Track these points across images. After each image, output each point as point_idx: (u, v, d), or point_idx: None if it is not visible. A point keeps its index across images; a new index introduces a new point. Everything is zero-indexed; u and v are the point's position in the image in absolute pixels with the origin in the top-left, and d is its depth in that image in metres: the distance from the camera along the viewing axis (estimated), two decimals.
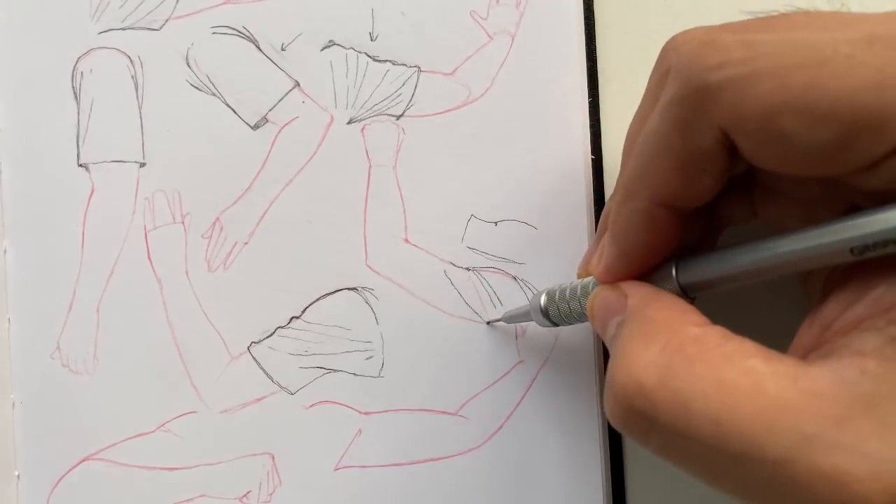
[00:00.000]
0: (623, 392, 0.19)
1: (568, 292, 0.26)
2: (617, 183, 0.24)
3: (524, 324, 0.30)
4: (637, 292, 0.22)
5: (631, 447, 0.30)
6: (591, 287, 0.25)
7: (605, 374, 0.29)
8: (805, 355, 0.19)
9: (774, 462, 0.17)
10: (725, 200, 0.25)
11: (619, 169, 0.26)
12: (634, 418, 0.19)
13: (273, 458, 0.30)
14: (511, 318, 0.29)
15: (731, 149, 0.20)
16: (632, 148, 0.23)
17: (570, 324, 0.26)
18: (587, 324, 0.30)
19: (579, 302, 0.25)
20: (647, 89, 0.22)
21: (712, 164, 0.20)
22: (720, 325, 0.20)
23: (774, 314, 0.25)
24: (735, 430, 0.17)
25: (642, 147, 0.21)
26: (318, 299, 0.30)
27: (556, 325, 0.27)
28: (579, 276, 0.27)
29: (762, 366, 0.18)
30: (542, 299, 0.26)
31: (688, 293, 0.22)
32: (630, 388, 0.19)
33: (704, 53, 0.19)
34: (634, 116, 0.24)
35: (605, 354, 0.29)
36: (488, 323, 0.30)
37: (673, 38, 0.20)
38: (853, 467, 0.16)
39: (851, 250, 0.18)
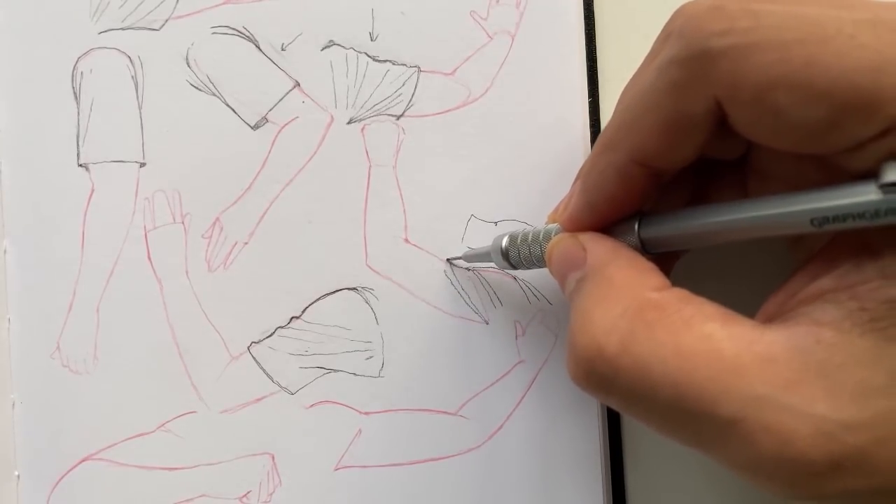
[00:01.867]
0: (584, 355, 0.20)
1: (530, 236, 0.26)
2: (599, 137, 0.24)
3: (524, 323, 0.30)
4: (596, 248, 0.22)
5: (631, 447, 0.30)
6: (553, 233, 0.25)
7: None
8: (768, 320, 0.20)
9: (727, 420, 0.18)
10: (717, 185, 0.25)
11: None
12: (596, 379, 0.20)
13: (273, 458, 0.30)
14: (471, 258, 0.29)
15: (718, 120, 0.20)
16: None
17: (529, 268, 0.27)
18: None
19: (540, 246, 0.25)
20: (650, 51, 0.22)
21: (696, 132, 0.20)
22: (707, 284, 0.21)
23: (761, 276, 0.26)
24: (691, 392, 0.18)
25: (631, 102, 0.21)
26: (318, 299, 0.30)
27: (514, 267, 0.27)
28: (548, 223, 0.27)
29: (719, 330, 0.19)
30: (504, 241, 0.27)
31: (648, 249, 0.23)
32: (591, 351, 0.20)
33: (710, 18, 0.19)
34: (632, 77, 0.24)
35: None
36: (448, 260, 0.30)
37: (682, 5, 0.20)
38: (799, 427, 0.17)
39: (812, 221, 0.18)
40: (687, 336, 0.19)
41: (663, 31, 0.21)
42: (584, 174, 0.23)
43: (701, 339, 0.19)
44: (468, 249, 0.29)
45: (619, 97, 0.24)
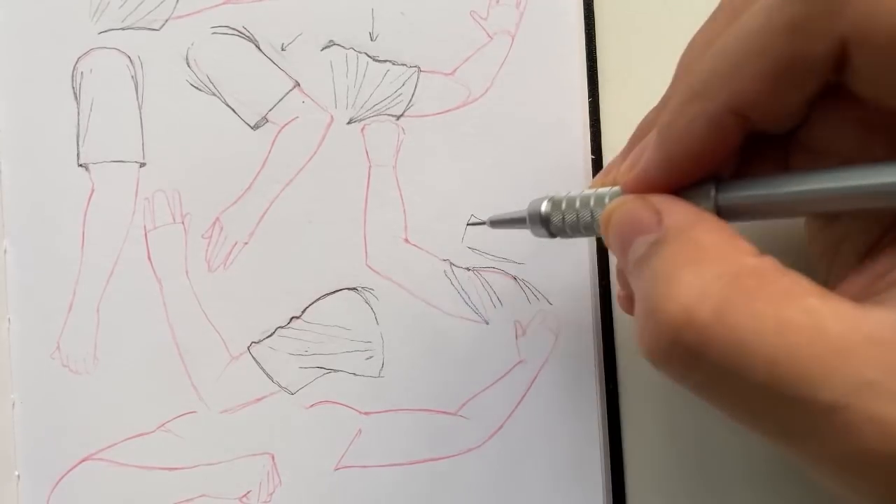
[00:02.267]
0: (670, 323, 0.17)
1: (579, 201, 0.23)
2: (669, 93, 0.21)
3: (524, 323, 0.30)
4: (675, 209, 0.20)
5: (631, 447, 0.30)
6: (607, 198, 0.22)
7: (604, 374, 0.29)
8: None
9: (827, 406, 0.16)
10: (759, 160, 0.23)
11: None
12: (680, 351, 0.17)
13: (273, 458, 0.30)
14: (498, 223, 0.27)
15: (838, 66, 0.18)
16: (689, 68, 0.21)
17: (572, 237, 0.24)
18: (589, 325, 0.30)
19: (591, 212, 0.23)
20: (721, 5, 0.20)
21: (812, 79, 0.18)
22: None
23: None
24: (791, 371, 0.16)
25: (728, 47, 0.19)
26: (318, 299, 0.30)
27: (553, 236, 0.24)
28: (593, 187, 0.24)
29: (822, 305, 0.16)
30: (545, 206, 0.24)
31: (723, 218, 0.20)
32: (680, 319, 0.17)
33: None
34: (696, 34, 0.21)
35: (606, 355, 0.29)
36: (469, 225, 0.29)
37: None
38: None
39: None
40: (789, 309, 0.17)
41: None
42: (665, 127, 0.20)
43: (804, 313, 0.16)
44: (492, 215, 0.27)
45: (685, 54, 0.22)
